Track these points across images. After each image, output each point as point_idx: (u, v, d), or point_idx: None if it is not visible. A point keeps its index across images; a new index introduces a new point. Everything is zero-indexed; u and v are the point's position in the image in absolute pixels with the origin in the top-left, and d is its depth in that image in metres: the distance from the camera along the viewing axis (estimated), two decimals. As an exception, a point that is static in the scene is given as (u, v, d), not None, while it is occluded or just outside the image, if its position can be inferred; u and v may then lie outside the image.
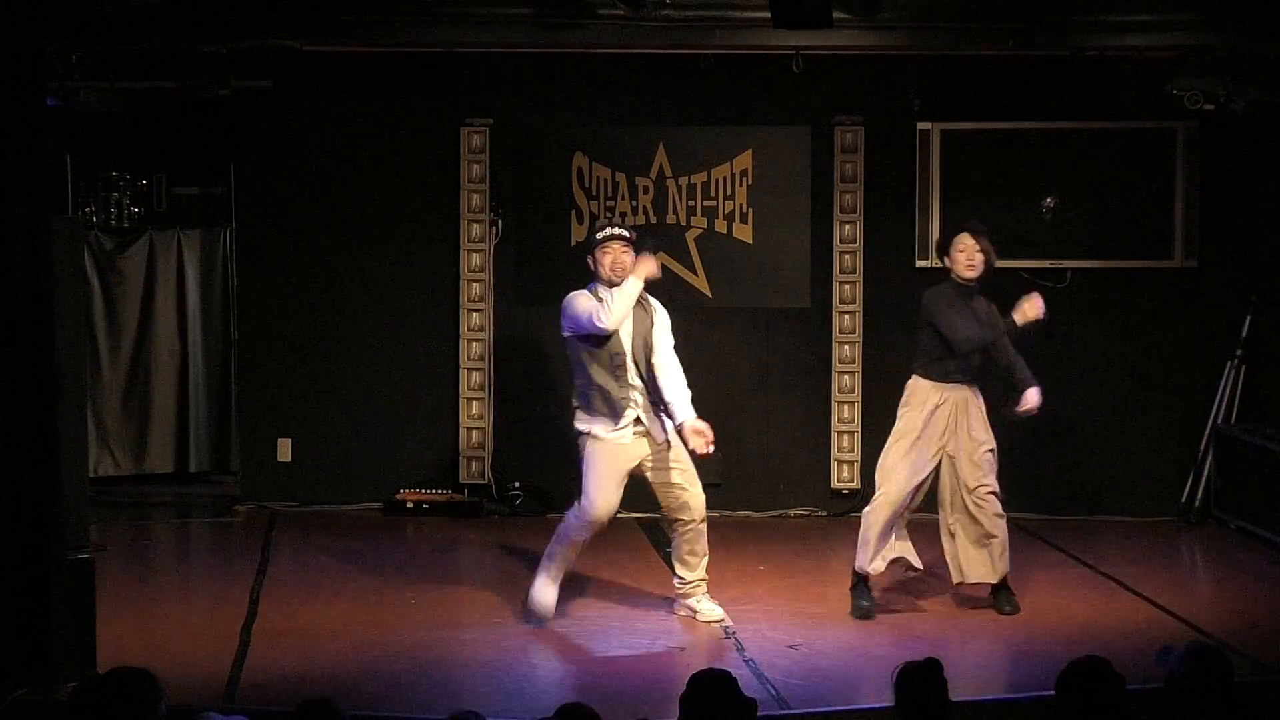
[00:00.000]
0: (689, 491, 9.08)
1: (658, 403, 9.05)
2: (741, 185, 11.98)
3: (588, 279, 9.09)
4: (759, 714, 5.20)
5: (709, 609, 9.20)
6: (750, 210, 11.98)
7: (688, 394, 9.07)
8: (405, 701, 7.80)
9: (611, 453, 8.99)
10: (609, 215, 11.87)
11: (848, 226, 11.92)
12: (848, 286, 11.94)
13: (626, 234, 9.08)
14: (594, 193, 11.94)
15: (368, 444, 12.01)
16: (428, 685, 8.11)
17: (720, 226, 11.99)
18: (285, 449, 12.04)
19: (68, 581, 7.90)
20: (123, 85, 10.29)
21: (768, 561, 10.63)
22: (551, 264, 11.77)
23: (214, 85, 9.82)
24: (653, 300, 9.19)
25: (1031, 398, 9.28)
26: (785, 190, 11.98)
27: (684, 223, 11.98)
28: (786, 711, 7.73)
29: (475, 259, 11.92)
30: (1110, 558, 10.68)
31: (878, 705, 7.44)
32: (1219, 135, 11.60)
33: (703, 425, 8.96)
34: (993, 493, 9.29)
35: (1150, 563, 10.68)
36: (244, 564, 10.49)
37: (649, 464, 9.07)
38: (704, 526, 9.16)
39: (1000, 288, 11.78)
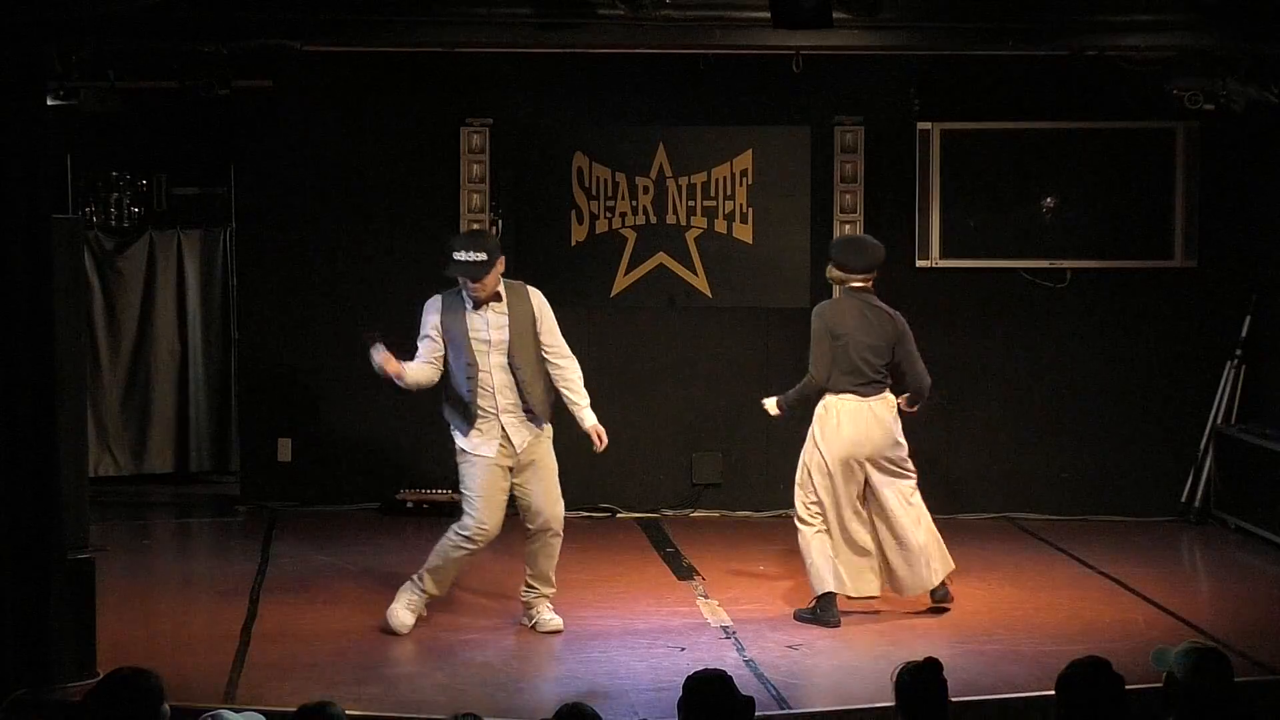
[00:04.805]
0: (543, 500, 8.87)
1: (539, 405, 8.87)
2: (741, 185, 11.97)
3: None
4: (758, 714, 5.21)
5: (547, 619, 8.99)
6: (750, 210, 11.98)
7: (584, 394, 8.92)
8: (405, 702, 7.80)
9: (484, 470, 8.83)
10: (609, 215, 11.89)
11: (848, 226, 11.90)
12: (847, 286, 11.93)
13: (472, 261, 8.81)
14: (594, 193, 11.94)
15: (368, 444, 12.00)
16: (428, 685, 8.11)
17: (720, 226, 11.98)
18: (285, 449, 12.02)
19: (68, 581, 7.91)
20: (123, 85, 10.27)
21: (768, 561, 10.63)
22: (551, 264, 11.76)
23: (214, 85, 9.80)
24: (529, 290, 8.99)
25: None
26: (785, 190, 11.97)
27: (684, 223, 11.98)
28: (786, 711, 7.73)
29: (475, 259, 11.90)
30: (1110, 558, 10.67)
31: (878, 705, 7.44)
32: (1219, 135, 11.59)
33: (600, 428, 8.89)
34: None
35: (1150, 563, 10.67)
36: (244, 564, 10.50)
37: (514, 467, 8.87)
38: (556, 541, 8.94)
39: (1001, 287, 11.88)
